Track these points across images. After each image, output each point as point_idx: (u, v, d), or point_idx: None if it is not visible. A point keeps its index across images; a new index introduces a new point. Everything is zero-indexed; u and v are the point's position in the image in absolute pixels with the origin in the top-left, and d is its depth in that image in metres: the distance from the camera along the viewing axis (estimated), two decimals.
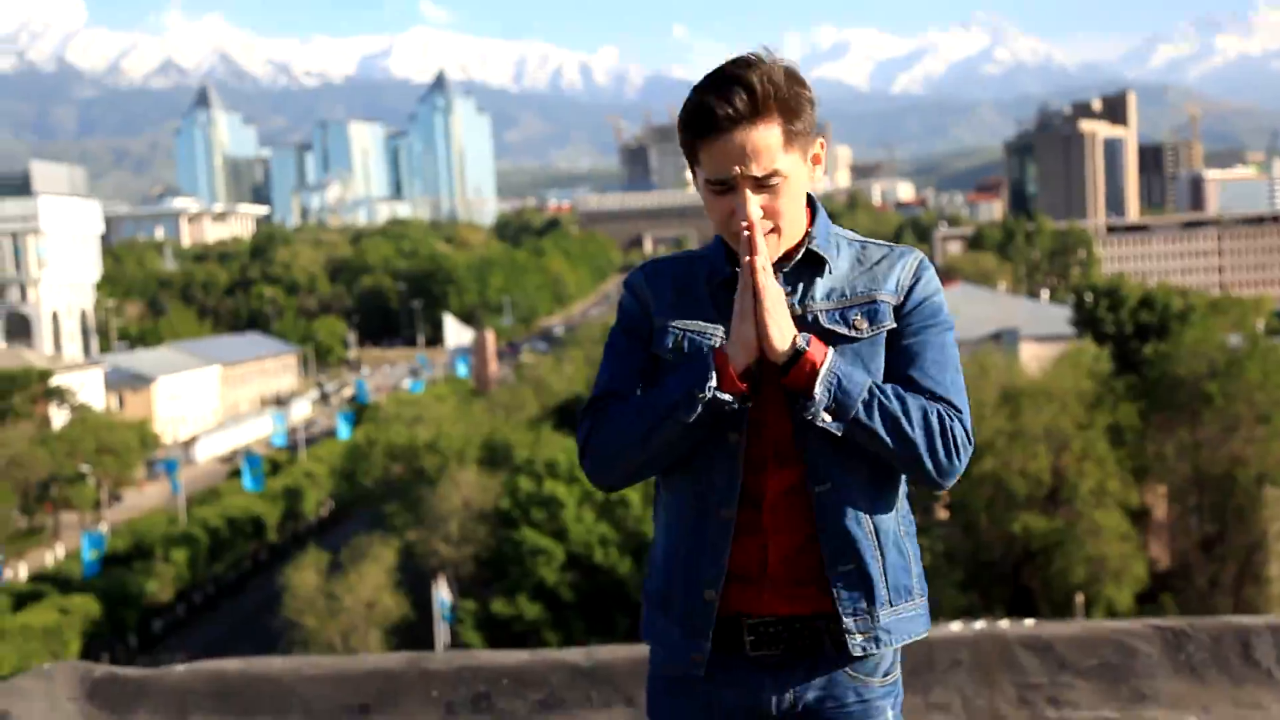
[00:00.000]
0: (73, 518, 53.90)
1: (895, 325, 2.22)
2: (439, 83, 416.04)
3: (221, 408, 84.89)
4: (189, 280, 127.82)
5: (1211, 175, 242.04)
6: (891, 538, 2.23)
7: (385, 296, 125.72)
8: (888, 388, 2.16)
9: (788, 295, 2.21)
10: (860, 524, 2.19)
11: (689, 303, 2.28)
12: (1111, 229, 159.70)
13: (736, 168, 2.12)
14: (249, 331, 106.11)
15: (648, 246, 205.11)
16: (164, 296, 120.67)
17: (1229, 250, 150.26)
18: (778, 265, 2.24)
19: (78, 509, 53.02)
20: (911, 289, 2.24)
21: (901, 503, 2.27)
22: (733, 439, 2.19)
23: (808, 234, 2.25)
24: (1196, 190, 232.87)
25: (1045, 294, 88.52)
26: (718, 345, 2.20)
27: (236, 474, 55.67)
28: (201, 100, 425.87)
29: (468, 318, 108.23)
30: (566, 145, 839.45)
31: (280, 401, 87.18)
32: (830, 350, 2.14)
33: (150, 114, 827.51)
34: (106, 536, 45.31)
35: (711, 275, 2.27)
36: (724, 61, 2.15)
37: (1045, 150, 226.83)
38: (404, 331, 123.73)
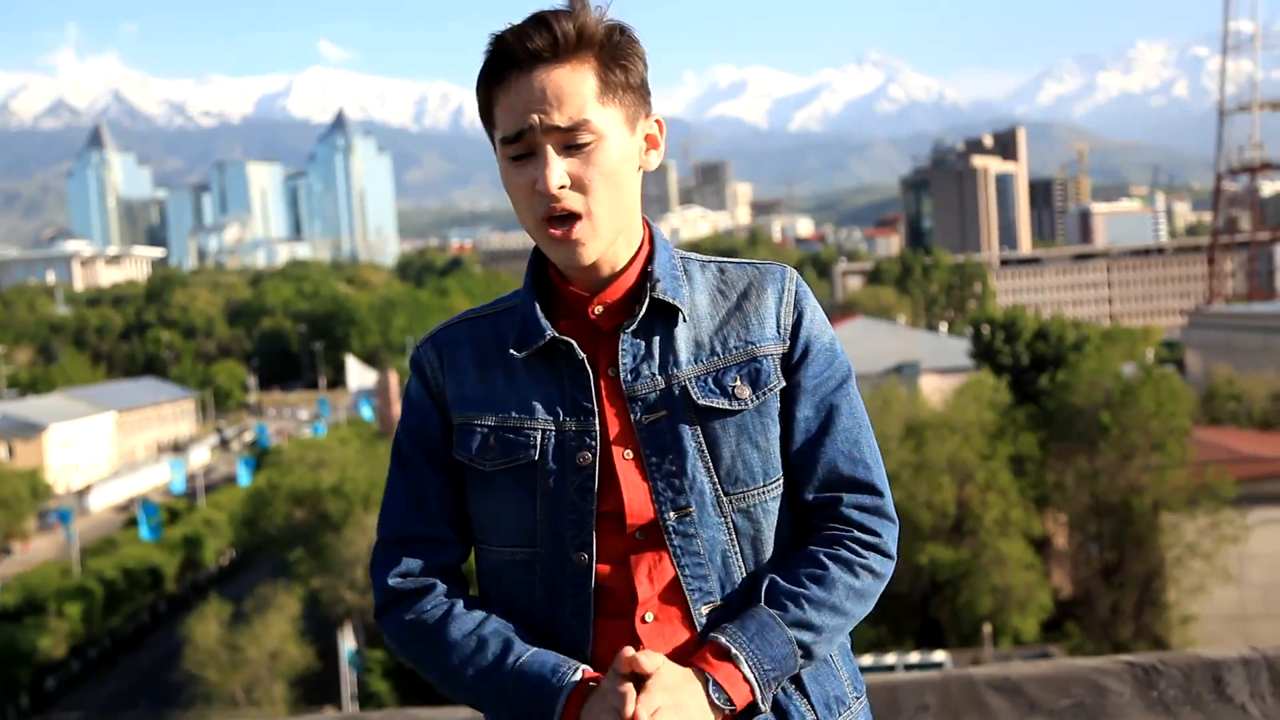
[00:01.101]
0: None
1: (785, 384, 1.73)
2: (338, 122, 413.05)
3: (117, 455, 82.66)
4: (82, 325, 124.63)
5: (1099, 209, 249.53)
6: None
7: (286, 339, 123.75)
8: (801, 608, 1.66)
9: (642, 360, 1.70)
10: None
11: (497, 381, 1.73)
12: (1005, 262, 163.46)
13: (535, 115, 1.61)
14: (145, 377, 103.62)
15: None
16: (56, 342, 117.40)
17: (1118, 281, 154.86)
18: (622, 323, 1.71)
19: None
20: (796, 329, 1.74)
21: None
22: (580, 592, 1.68)
23: (646, 274, 1.72)
24: (1085, 224, 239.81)
25: (944, 327, 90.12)
26: (570, 682, 1.61)
27: (133, 523, 54.14)
28: (94, 140, 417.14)
29: (370, 359, 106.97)
30: (468, 184, 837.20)
31: (178, 448, 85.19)
32: (750, 677, 1.62)
33: (41, 155, 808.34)
34: None
35: (523, 339, 1.72)
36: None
37: (940, 186, 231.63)
38: (305, 374, 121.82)
